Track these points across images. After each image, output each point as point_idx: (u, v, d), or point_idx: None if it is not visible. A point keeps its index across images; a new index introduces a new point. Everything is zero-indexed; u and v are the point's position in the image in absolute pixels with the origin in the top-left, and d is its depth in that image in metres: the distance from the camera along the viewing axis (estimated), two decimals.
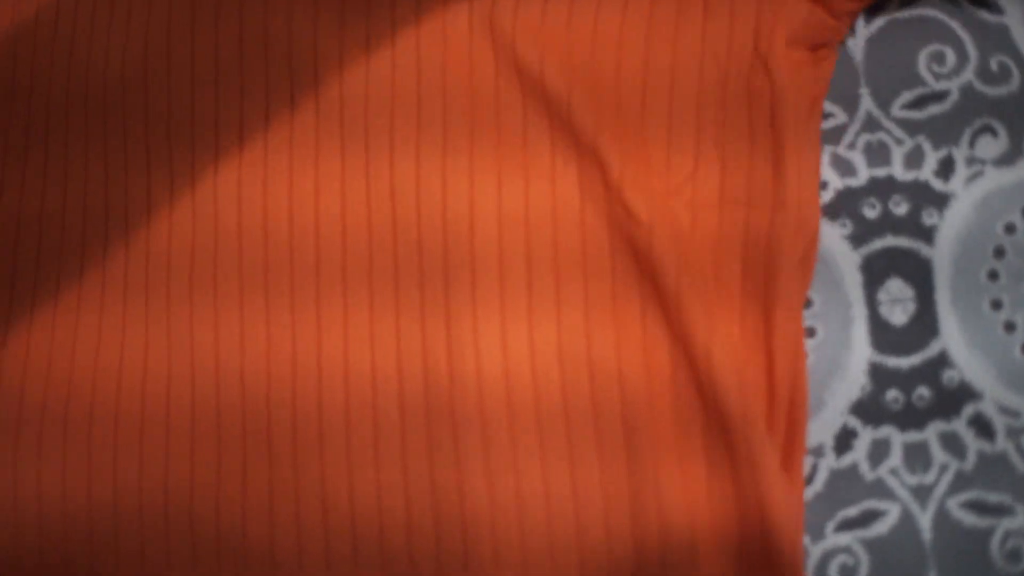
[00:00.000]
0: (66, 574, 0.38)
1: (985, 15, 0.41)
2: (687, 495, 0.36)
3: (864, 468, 0.38)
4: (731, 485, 0.36)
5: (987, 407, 0.38)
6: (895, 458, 0.38)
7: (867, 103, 0.41)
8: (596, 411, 0.36)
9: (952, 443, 0.38)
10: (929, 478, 0.38)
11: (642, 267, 0.37)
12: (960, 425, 0.38)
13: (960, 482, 0.38)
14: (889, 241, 0.39)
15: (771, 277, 0.37)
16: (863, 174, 0.40)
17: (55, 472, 0.38)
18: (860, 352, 0.39)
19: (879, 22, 0.42)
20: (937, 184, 0.40)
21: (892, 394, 0.38)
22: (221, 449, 0.38)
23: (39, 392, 0.39)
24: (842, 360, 0.39)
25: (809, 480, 0.38)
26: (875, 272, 0.39)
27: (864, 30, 0.41)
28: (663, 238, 0.37)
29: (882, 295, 0.39)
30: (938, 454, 0.38)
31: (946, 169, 0.40)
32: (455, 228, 0.38)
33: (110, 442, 0.38)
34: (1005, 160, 0.40)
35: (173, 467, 0.38)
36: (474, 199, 0.38)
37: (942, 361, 0.39)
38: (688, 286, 0.36)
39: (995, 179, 0.40)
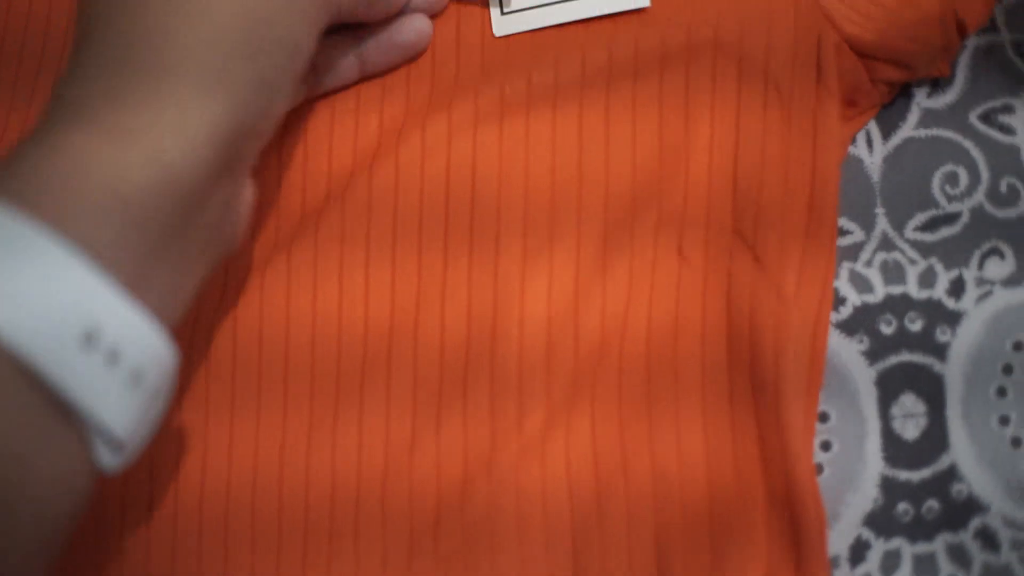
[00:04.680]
0: None
1: (997, 135, 0.43)
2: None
3: None
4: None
5: (993, 520, 0.40)
6: (905, 569, 0.39)
7: (883, 223, 0.42)
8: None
9: (959, 555, 0.40)
10: None
11: None
12: (967, 537, 0.40)
13: None
14: (904, 357, 0.41)
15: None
16: (880, 291, 0.42)
17: None
18: (873, 465, 0.40)
19: (896, 140, 0.43)
20: (949, 303, 0.41)
21: (903, 507, 0.40)
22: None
23: None
24: (856, 473, 0.40)
25: None
26: (889, 387, 0.41)
27: (881, 148, 0.43)
28: None
29: (895, 410, 0.41)
30: (945, 565, 0.39)
31: (957, 289, 0.41)
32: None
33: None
34: (1013, 281, 0.42)
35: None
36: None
37: (951, 475, 0.40)
38: None
39: (1004, 299, 0.41)
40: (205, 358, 0.40)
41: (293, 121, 0.41)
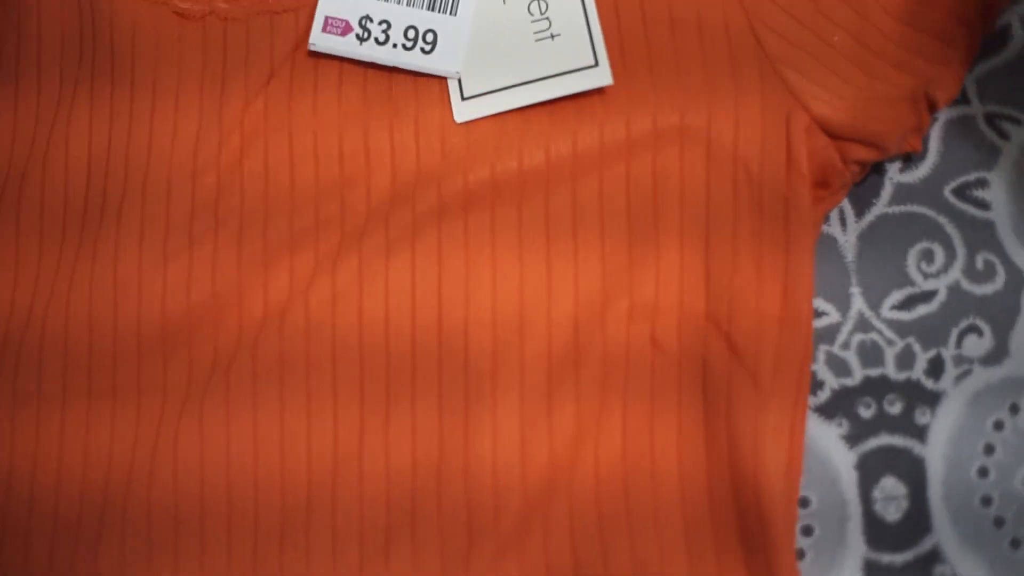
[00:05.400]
0: None
1: (972, 211, 0.43)
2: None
3: None
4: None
5: None
6: None
7: (859, 303, 0.42)
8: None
9: None
10: None
11: None
12: None
13: None
14: (884, 440, 0.41)
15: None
16: (858, 374, 0.41)
17: None
18: (856, 549, 0.40)
19: (869, 217, 0.43)
20: (928, 383, 0.41)
21: None
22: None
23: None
24: (839, 557, 0.40)
25: None
26: (870, 470, 0.40)
27: (855, 225, 0.43)
28: None
29: (877, 493, 0.40)
30: None
31: (936, 369, 0.41)
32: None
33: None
34: (991, 359, 0.41)
35: None
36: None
37: (934, 557, 0.40)
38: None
39: (983, 377, 0.41)
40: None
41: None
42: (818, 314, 0.42)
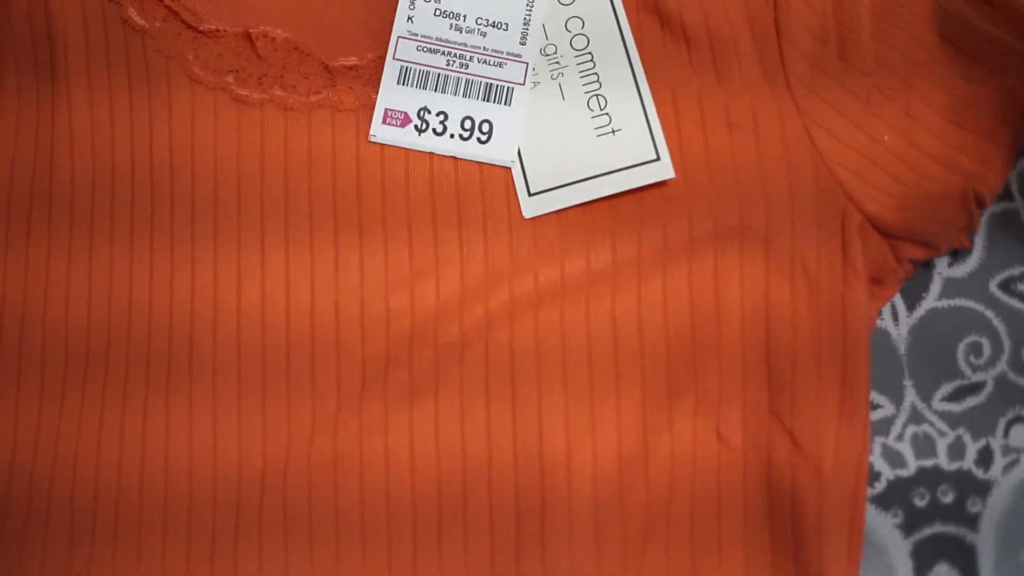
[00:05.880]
0: None
1: (1017, 304, 0.44)
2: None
3: None
4: None
5: None
6: None
7: (911, 395, 0.43)
8: None
9: None
10: None
11: None
12: None
13: None
14: (937, 529, 0.42)
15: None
16: (912, 465, 0.43)
17: None
18: None
19: (920, 311, 0.44)
20: (979, 473, 0.43)
21: None
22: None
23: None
24: None
25: None
26: (924, 559, 0.42)
27: (907, 320, 0.44)
28: None
29: None
30: None
31: (985, 459, 0.43)
32: None
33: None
34: None
35: None
36: None
37: None
38: None
39: None
40: None
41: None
42: (873, 407, 0.43)
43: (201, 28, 0.43)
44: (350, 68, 0.43)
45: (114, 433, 0.41)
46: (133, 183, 0.42)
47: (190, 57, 0.43)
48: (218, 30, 0.43)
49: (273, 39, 0.43)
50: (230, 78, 0.43)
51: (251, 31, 0.43)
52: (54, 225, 0.42)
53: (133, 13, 0.44)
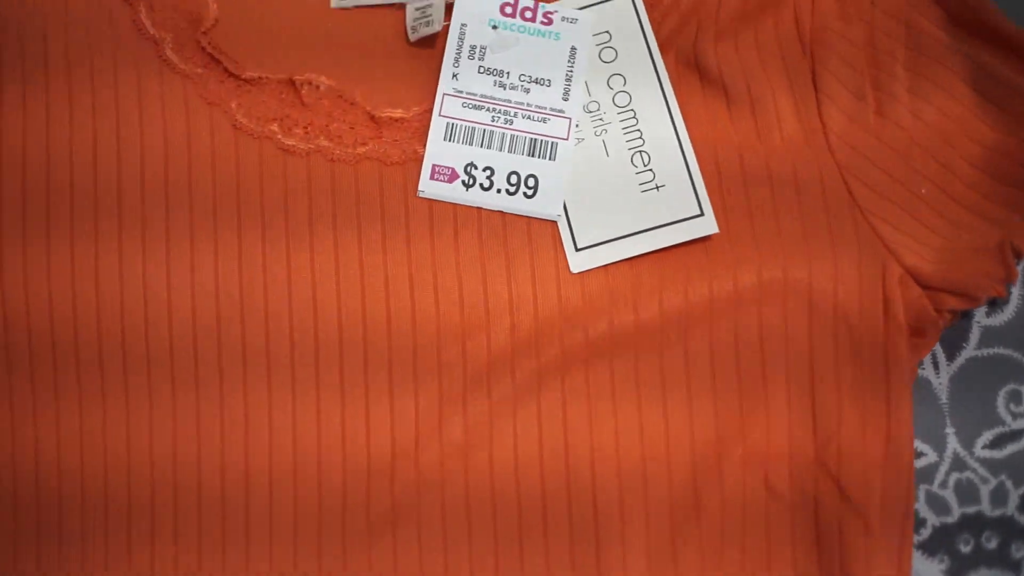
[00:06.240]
0: None
1: None
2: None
3: None
4: None
5: None
6: None
7: (953, 442, 0.44)
8: None
9: None
10: None
11: None
12: None
13: None
14: (982, 574, 0.43)
15: None
16: (956, 512, 0.43)
17: None
18: None
19: (960, 360, 0.45)
20: (1021, 519, 0.43)
21: None
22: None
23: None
24: None
25: None
26: None
27: (947, 368, 0.45)
28: None
29: None
30: None
31: None
32: None
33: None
34: None
35: None
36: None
37: None
38: None
39: None
40: None
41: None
42: (917, 455, 0.44)
43: (244, 76, 0.44)
44: (396, 120, 0.44)
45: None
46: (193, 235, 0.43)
47: (233, 105, 0.44)
48: (261, 77, 0.44)
49: (317, 87, 0.44)
50: (275, 126, 0.44)
51: (295, 78, 0.44)
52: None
53: (173, 56, 0.44)
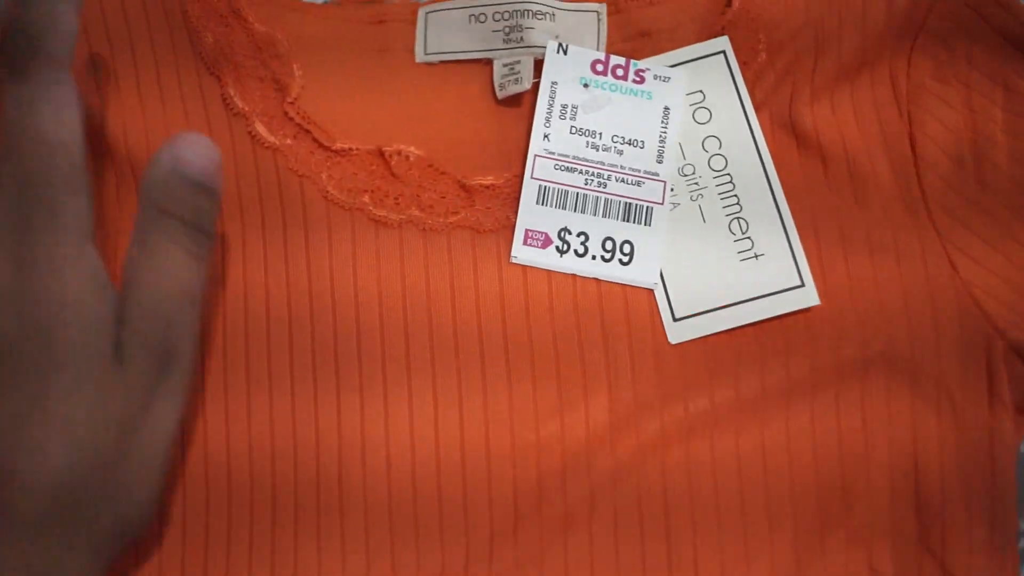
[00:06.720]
0: None
1: None
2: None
3: None
4: None
5: None
6: None
7: None
8: None
9: None
10: None
11: None
12: None
13: None
14: None
15: None
16: None
17: None
18: None
19: None
20: None
21: None
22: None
23: None
24: None
25: None
26: None
27: None
28: None
29: None
30: None
31: None
32: None
33: None
34: None
35: None
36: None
37: None
38: None
39: None
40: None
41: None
42: (1020, 534, 0.43)
43: (334, 147, 0.43)
44: (487, 187, 0.43)
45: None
46: (268, 310, 0.42)
47: (324, 176, 0.43)
48: (350, 148, 0.43)
49: (407, 157, 0.43)
50: (366, 198, 0.43)
51: (384, 149, 0.43)
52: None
53: (262, 129, 0.43)
